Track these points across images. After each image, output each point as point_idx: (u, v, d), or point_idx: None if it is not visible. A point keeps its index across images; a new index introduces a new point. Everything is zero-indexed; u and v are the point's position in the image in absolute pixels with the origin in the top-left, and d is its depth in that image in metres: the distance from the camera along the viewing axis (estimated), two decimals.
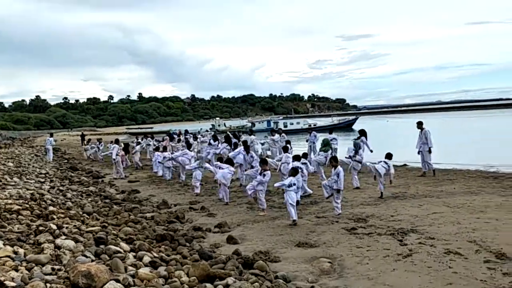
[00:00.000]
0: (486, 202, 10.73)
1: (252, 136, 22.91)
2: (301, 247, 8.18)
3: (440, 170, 16.41)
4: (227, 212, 11.73)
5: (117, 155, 20.27)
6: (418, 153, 16.02)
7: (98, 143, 29.77)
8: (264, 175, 11.27)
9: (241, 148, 16.45)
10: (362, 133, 15.86)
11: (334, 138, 20.22)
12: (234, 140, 20.92)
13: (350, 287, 6.30)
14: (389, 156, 12.69)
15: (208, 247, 8.33)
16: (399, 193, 12.58)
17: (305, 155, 14.04)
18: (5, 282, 4.80)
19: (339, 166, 10.74)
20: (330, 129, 23.65)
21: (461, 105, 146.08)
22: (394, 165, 13.43)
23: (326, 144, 16.34)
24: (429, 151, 15.69)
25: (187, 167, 16.33)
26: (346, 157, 14.68)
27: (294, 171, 10.66)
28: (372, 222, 9.60)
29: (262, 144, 23.01)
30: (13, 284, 4.84)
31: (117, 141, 22.06)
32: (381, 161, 12.52)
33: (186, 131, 34.97)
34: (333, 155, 15.09)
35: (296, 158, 13.02)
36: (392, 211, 10.43)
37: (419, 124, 16.02)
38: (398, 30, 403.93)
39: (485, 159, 19.03)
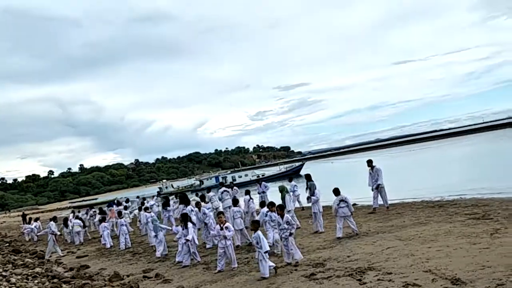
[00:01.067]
0: (435, 230, 11.04)
1: (211, 193, 22.68)
2: None
3: None
4: (183, 275, 11.37)
5: (52, 233, 19.67)
6: (372, 190, 16.31)
7: (35, 222, 28.73)
8: (227, 228, 11.04)
9: (189, 207, 16.21)
10: (308, 177, 16.15)
11: (295, 185, 21.18)
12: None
13: None
14: (335, 192, 12.74)
15: None
16: (352, 233, 12.72)
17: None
18: None
19: (286, 214, 10.73)
20: (290, 177, 24.80)
21: (398, 140, 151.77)
22: None
23: (282, 190, 16.47)
24: (377, 188, 16.05)
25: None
26: (307, 197, 15.40)
27: (257, 224, 10.42)
28: (330, 265, 9.60)
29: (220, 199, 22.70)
30: None
31: (54, 219, 21.49)
32: (339, 203, 12.51)
33: (127, 200, 34.36)
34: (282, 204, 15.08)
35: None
36: (348, 252, 10.50)
37: (369, 163, 16.46)
38: (330, 77, 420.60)
39: (428, 189, 19.73)
